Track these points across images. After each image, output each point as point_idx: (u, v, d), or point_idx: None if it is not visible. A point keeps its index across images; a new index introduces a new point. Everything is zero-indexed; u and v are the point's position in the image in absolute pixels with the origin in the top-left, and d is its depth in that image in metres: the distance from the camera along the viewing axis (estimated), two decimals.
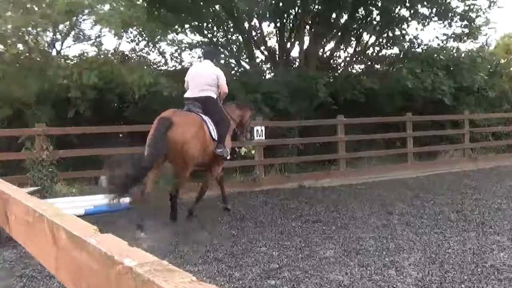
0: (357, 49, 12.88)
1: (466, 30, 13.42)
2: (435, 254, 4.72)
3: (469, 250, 4.82)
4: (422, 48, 13.21)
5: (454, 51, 13.49)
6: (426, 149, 12.09)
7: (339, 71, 13.14)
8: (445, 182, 9.53)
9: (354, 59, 12.81)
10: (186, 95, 6.57)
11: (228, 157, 6.79)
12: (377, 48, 13.05)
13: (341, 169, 10.42)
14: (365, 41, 13.16)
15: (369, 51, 13.13)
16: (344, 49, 13.80)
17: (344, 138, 10.47)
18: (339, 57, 14.00)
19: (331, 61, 13.33)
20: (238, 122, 7.23)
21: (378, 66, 13.62)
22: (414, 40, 13.07)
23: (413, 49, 13.00)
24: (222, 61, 12.76)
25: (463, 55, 13.39)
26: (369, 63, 13.42)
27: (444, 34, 13.64)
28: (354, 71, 13.50)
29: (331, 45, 12.96)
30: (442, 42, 13.64)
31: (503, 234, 5.39)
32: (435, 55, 12.86)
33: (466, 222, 6.04)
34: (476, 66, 13.11)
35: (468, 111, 12.62)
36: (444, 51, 13.17)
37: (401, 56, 12.77)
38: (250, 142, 8.89)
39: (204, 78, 6.49)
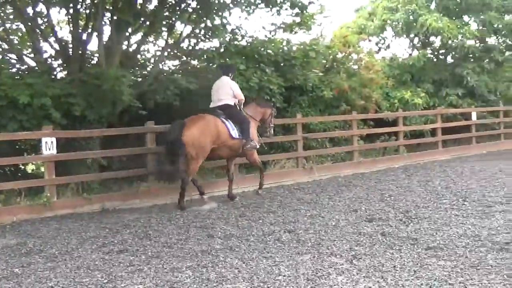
0: (169, 42, 13.31)
1: (298, 19, 14.51)
2: (263, 282, 5.19)
3: (302, 275, 5.35)
4: (246, 41, 14.09)
5: (284, 44, 14.61)
6: None
7: (148, 69, 13.45)
8: (275, 197, 10.48)
9: (166, 54, 13.22)
10: (211, 105, 10.59)
11: (258, 146, 10.80)
12: (193, 41, 13.57)
13: (153, 187, 10.73)
14: (179, 32, 13.66)
15: (184, 44, 13.63)
16: (154, 42, 14.17)
17: (154, 149, 10.83)
18: (148, 51, 14.36)
19: (139, 56, 13.61)
20: (260, 119, 11.27)
21: (195, 62, 14.21)
22: (237, 30, 13.85)
23: (235, 42, 13.83)
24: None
25: (294, 48, 14.60)
26: (184, 58, 13.94)
27: (272, 24, 14.61)
28: (166, 68, 13.93)
29: (137, 37, 13.20)
30: (270, 33, 14.62)
31: (341, 255, 6.07)
32: (262, 49, 13.85)
33: (299, 243, 6.70)
34: (309, 62, 14.45)
35: (300, 114, 13.85)
36: (273, 44, 14.17)
37: (222, 50, 13.50)
38: (39, 157, 10.15)
39: (222, 90, 10.52)
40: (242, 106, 10.80)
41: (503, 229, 7.08)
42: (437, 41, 21.32)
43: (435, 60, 21.54)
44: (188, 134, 9.64)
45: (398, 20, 20.28)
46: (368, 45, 20.47)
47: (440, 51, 21.78)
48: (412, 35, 21.38)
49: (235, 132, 10.32)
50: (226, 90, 10.57)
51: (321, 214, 8.61)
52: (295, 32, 15.05)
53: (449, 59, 21.99)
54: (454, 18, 20.78)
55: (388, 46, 22.41)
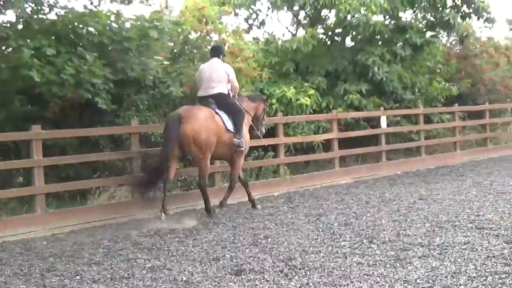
0: None
1: None
2: None
3: None
4: (57, 14, 13.97)
5: (112, 18, 14.47)
6: (67, 186, 13.04)
7: None
8: (101, 242, 10.64)
9: None
10: (199, 94, 13.31)
11: (243, 148, 13.23)
12: None
13: None
14: None
15: None
16: None
17: None
18: None
19: None
20: (253, 116, 14.07)
21: None
22: (43, 0, 13.70)
23: (40, 15, 13.64)
24: None
25: (127, 25, 14.64)
26: None
27: None
28: None
29: None
30: (92, 4, 14.44)
31: None
32: (80, 26, 13.73)
33: None
34: (149, 45, 14.43)
35: (137, 120, 13.97)
36: (96, 19, 13.95)
37: (21, 27, 13.31)
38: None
39: (215, 75, 13.07)
40: (236, 96, 13.63)
41: (424, 281, 7.43)
42: (331, 16, 21.94)
43: (329, 43, 22.34)
44: (186, 128, 12.25)
45: None
46: (234, 22, 21.06)
47: (336, 31, 22.36)
48: (296, 8, 21.84)
49: (229, 124, 13.05)
50: (220, 76, 13.23)
51: (167, 265, 8.84)
52: (129, 2, 15.18)
53: (349, 42, 22.80)
54: None
55: (262, 23, 22.93)
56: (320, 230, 11.06)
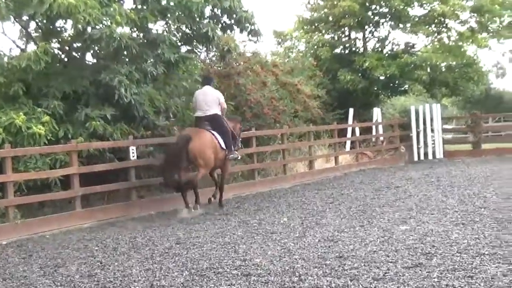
0: None
1: None
2: None
3: None
4: None
5: None
6: None
7: None
8: None
9: None
10: (197, 114, 19.78)
11: (239, 157, 21.48)
12: None
13: None
14: None
15: None
16: None
17: None
18: None
19: None
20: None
21: None
22: None
23: None
24: None
25: None
26: None
27: None
28: None
29: None
30: None
31: None
32: None
33: None
34: None
35: None
36: None
37: None
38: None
39: (209, 100, 19.45)
40: (224, 115, 19.69)
41: None
42: (68, 28, 21.57)
43: (66, 60, 22.10)
44: (195, 146, 18.11)
45: None
46: None
47: (75, 45, 22.25)
48: (25, 18, 21.42)
49: (222, 143, 18.86)
50: (213, 99, 19.10)
51: None
52: None
53: (90, 59, 22.78)
54: None
55: None
56: (59, 283, 11.07)
